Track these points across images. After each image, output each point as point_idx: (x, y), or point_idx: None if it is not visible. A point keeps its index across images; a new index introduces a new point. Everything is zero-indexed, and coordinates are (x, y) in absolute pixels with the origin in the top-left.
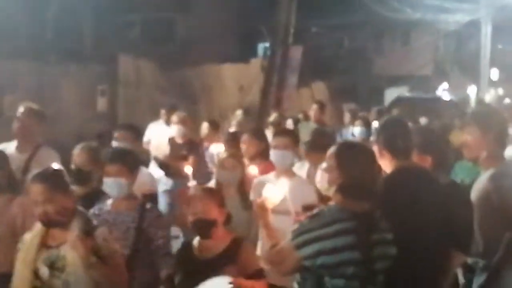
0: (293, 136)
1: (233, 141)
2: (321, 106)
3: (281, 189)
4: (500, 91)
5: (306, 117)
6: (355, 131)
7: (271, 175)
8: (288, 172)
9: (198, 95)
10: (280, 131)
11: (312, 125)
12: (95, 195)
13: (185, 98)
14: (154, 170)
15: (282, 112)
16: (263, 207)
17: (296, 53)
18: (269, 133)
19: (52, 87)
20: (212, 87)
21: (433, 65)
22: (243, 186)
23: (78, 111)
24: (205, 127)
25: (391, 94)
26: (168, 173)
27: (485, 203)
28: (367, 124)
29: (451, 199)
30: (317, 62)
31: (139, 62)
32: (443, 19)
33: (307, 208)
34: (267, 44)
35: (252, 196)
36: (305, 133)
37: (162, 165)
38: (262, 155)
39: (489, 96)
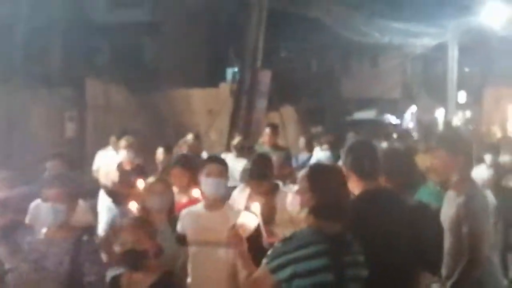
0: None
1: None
2: (274, 129)
3: (255, 217)
4: (468, 113)
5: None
6: (321, 156)
7: (200, 205)
8: (219, 202)
9: (168, 120)
10: (213, 157)
11: (265, 148)
12: (12, 227)
13: (154, 123)
14: (103, 198)
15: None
16: (237, 236)
17: (265, 77)
18: (232, 156)
19: (20, 111)
20: (182, 111)
21: (401, 88)
22: (173, 213)
23: (46, 136)
24: (160, 152)
25: (360, 117)
26: (115, 201)
27: (456, 229)
28: (334, 148)
29: (419, 220)
30: (286, 85)
31: (108, 86)
32: (411, 43)
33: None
34: (235, 69)
35: (179, 228)
36: None
37: (110, 193)
38: (192, 185)
39: (457, 119)
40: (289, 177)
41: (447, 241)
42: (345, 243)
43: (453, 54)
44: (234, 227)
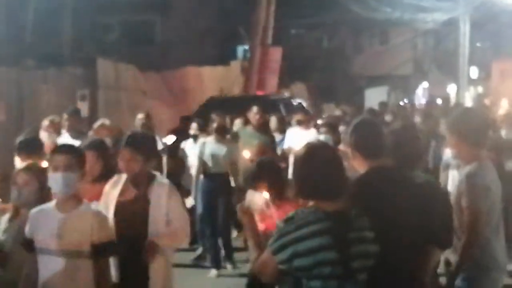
0: (78, 153)
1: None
2: (303, 110)
3: (264, 195)
4: (480, 89)
5: (246, 122)
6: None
7: (52, 204)
8: (71, 201)
9: (179, 98)
10: (61, 147)
11: (250, 130)
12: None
13: (165, 101)
14: None
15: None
16: (247, 212)
17: (276, 54)
18: (212, 140)
19: (32, 92)
20: (192, 89)
21: (412, 64)
22: None
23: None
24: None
25: (371, 94)
26: None
27: (457, 203)
28: (332, 131)
29: (427, 196)
30: (297, 62)
31: (119, 65)
32: (422, 18)
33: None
34: (246, 46)
35: (26, 231)
36: (244, 139)
37: None
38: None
39: (469, 95)
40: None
41: (455, 218)
42: (349, 220)
43: (465, 29)
44: (245, 205)
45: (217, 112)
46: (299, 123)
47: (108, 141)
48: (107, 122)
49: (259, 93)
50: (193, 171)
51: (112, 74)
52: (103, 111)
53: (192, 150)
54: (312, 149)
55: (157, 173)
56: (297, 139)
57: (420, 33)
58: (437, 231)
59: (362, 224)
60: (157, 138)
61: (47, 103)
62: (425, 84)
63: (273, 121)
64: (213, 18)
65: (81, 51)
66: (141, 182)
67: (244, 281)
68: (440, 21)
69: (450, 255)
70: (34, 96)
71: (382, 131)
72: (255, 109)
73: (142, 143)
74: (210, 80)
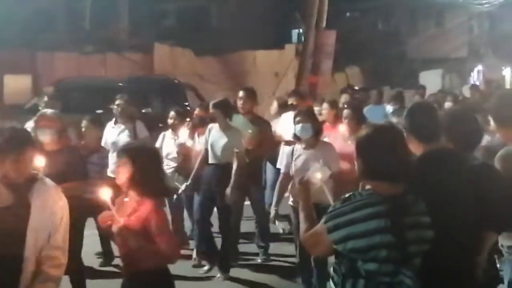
0: None
1: None
2: (250, 93)
3: (325, 171)
4: None
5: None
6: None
7: None
8: None
9: (234, 82)
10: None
11: (241, 118)
12: None
13: (221, 85)
14: None
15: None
16: (305, 188)
17: (330, 38)
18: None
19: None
20: (248, 73)
21: (467, 47)
22: None
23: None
24: (172, 116)
25: (426, 77)
26: None
27: None
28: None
29: (485, 179)
30: (351, 46)
31: (175, 49)
32: (477, 0)
33: None
34: (301, 30)
35: None
36: (239, 127)
37: None
38: None
39: None
40: (272, 151)
41: None
42: (405, 205)
43: None
44: (304, 180)
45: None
46: (293, 107)
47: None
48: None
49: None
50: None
51: (168, 59)
52: None
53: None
54: (376, 131)
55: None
56: (289, 125)
57: (475, 16)
58: (495, 215)
59: (418, 209)
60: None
61: None
62: (479, 67)
63: (273, 106)
64: (268, 2)
65: (138, 37)
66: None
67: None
68: (496, 3)
69: (503, 240)
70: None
71: (437, 113)
72: (241, 94)
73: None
74: (265, 64)
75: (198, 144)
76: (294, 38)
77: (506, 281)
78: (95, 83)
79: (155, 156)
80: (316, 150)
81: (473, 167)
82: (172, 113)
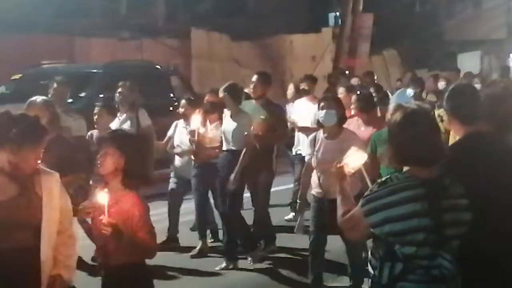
0: None
1: None
2: (263, 78)
3: (362, 156)
4: None
5: (248, 95)
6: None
7: None
8: None
9: (271, 66)
10: None
11: (253, 104)
12: None
13: (258, 69)
14: None
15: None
16: (342, 172)
17: (367, 20)
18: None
19: None
20: (285, 58)
21: (506, 28)
22: None
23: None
24: (183, 104)
25: (464, 59)
26: None
27: None
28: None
29: None
30: (388, 29)
31: (211, 35)
32: None
33: None
34: (337, 13)
35: None
36: (250, 112)
37: None
38: None
39: None
40: (284, 138)
41: None
42: (443, 187)
43: None
44: (341, 164)
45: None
46: (305, 92)
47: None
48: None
49: None
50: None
51: (205, 44)
52: (197, 81)
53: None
54: (409, 114)
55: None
56: (303, 111)
57: None
58: None
59: (456, 192)
60: None
61: None
62: None
63: (290, 90)
64: None
65: (174, 22)
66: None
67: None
68: None
69: None
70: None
71: (478, 95)
72: (253, 78)
73: None
74: (302, 47)
75: (210, 131)
76: (331, 21)
77: None
78: (67, 70)
79: (142, 146)
80: (340, 140)
81: None
82: (183, 102)
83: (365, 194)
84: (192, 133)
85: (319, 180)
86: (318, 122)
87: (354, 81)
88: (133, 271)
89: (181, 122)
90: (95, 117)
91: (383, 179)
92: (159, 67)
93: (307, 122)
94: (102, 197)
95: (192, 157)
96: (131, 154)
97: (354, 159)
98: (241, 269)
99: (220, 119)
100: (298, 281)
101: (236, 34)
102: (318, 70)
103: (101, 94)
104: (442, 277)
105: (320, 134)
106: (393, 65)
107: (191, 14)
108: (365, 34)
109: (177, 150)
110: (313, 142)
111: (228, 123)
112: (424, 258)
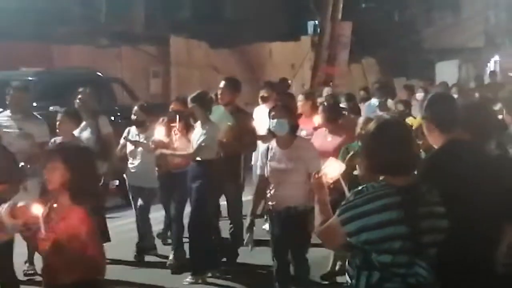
0: None
1: None
2: (231, 84)
3: (340, 166)
4: None
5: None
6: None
7: None
8: None
9: (250, 74)
10: None
11: (221, 110)
12: None
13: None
14: None
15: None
16: (320, 183)
17: (346, 29)
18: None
19: (106, 69)
20: (264, 65)
21: (484, 37)
22: None
23: None
24: (135, 111)
25: (442, 67)
26: None
27: None
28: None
29: (505, 172)
30: (367, 37)
31: (190, 42)
32: None
33: None
34: (316, 21)
35: None
36: (216, 119)
37: None
38: None
39: None
40: (252, 147)
41: None
42: (419, 195)
43: None
44: (319, 174)
45: None
46: (263, 100)
47: None
48: None
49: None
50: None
51: (184, 51)
52: (176, 88)
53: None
54: (383, 124)
55: None
56: (262, 119)
57: (492, 5)
58: None
59: (432, 199)
60: None
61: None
62: (496, 58)
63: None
64: None
65: (153, 29)
66: None
67: None
68: None
69: None
70: (108, 73)
71: (457, 104)
72: (221, 84)
73: None
74: (281, 55)
75: (175, 141)
76: (310, 29)
77: None
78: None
79: (90, 159)
80: (293, 148)
81: (494, 158)
82: (135, 108)
83: (343, 203)
84: (156, 143)
85: (272, 190)
86: (269, 131)
87: (327, 90)
88: None
89: (133, 129)
90: (58, 124)
91: (359, 188)
92: (100, 74)
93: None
94: (36, 209)
95: (156, 168)
96: (79, 167)
97: (332, 169)
98: (209, 284)
99: (187, 128)
100: None
101: (215, 41)
102: (297, 78)
103: (35, 102)
104: (419, 285)
105: (273, 143)
106: (372, 73)
107: (170, 21)
108: (344, 42)
109: (130, 157)
110: (266, 152)
111: (197, 133)
112: (400, 266)
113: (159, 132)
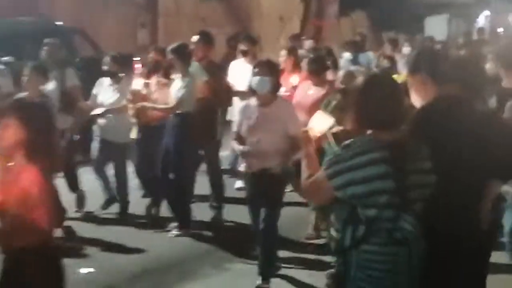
0: None
1: None
2: (204, 38)
3: (328, 120)
4: None
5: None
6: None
7: None
8: None
9: (238, 26)
10: None
11: (195, 65)
12: None
13: (224, 28)
14: None
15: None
16: (307, 137)
17: None
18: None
19: (93, 21)
20: (252, 18)
21: None
22: None
23: (119, 43)
24: (106, 61)
25: (431, 22)
26: None
27: None
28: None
29: (490, 128)
30: None
31: None
32: None
33: None
34: None
35: None
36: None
37: None
38: None
39: None
40: (228, 102)
41: None
42: (406, 150)
43: None
44: (306, 128)
45: None
46: (244, 54)
47: None
48: None
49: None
50: None
51: (172, 1)
52: (163, 39)
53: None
54: (372, 79)
55: None
56: (240, 73)
57: None
58: (500, 163)
59: (420, 154)
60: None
61: (108, 31)
62: (486, 13)
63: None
64: None
65: None
66: None
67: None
68: None
69: (508, 187)
70: (94, 23)
71: (446, 58)
72: (194, 38)
73: None
74: (270, 8)
75: (154, 92)
76: None
77: (507, 228)
78: None
79: (46, 114)
80: (273, 108)
81: (480, 115)
82: (107, 59)
83: (330, 157)
84: (134, 93)
85: (249, 150)
86: (250, 89)
87: (309, 43)
88: (33, 254)
89: (106, 80)
90: (25, 79)
91: (347, 142)
92: (59, 23)
93: (244, 86)
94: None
95: (134, 119)
96: (33, 124)
97: (320, 123)
98: (193, 235)
99: (167, 79)
100: (244, 252)
101: None
102: (286, 31)
103: None
104: (405, 240)
105: (253, 101)
106: (362, 27)
107: None
108: None
109: (100, 109)
110: (244, 109)
111: (176, 86)
112: (386, 220)
113: (137, 82)
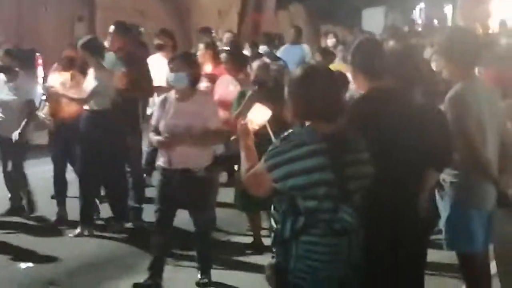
0: None
1: None
2: (120, 29)
3: (267, 112)
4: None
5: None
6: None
7: None
8: None
9: (176, 20)
10: None
11: (112, 56)
12: None
13: (163, 22)
14: None
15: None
16: (246, 129)
17: None
18: None
19: (30, 14)
20: (190, 11)
21: None
22: None
23: (56, 37)
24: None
25: (368, 15)
26: None
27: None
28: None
29: (426, 118)
30: None
31: None
32: None
33: None
34: None
35: None
36: (108, 67)
37: None
38: None
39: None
40: (149, 93)
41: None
42: (345, 142)
43: None
44: (244, 120)
45: None
46: (160, 48)
47: None
48: None
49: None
50: None
51: None
52: (101, 33)
53: None
54: (308, 70)
55: None
56: (157, 68)
57: None
58: (435, 153)
59: (358, 146)
60: None
61: (45, 24)
62: (422, 5)
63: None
64: None
65: None
66: None
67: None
68: None
69: (446, 176)
70: (32, 17)
71: (384, 51)
72: (111, 29)
73: None
74: (209, 2)
75: (69, 88)
76: None
77: (444, 216)
78: None
79: None
80: (192, 102)
81: (416, 106)
82: (0, 54)
83: (269, 149)
84: (49, 90)
85: (168, 137)
86: (168, 84)
87: (228, 36)
88: None
89: (1, 76)
90: None
91: (285, 133)
92: None
93: (162, 80)
94: None
95: (49, 116)
96: None
97: (258, 115)
98: (98, 236)
99: (83, 74)
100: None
101: None
102: (225, 25)
103: None
104: (343, 231)
105: (171, 95)
106: (300, 21)
107: None
108: None
109: None
110: (163, 103)
111: (89, 81)
112: (326, 212)
113: (53, 79)
